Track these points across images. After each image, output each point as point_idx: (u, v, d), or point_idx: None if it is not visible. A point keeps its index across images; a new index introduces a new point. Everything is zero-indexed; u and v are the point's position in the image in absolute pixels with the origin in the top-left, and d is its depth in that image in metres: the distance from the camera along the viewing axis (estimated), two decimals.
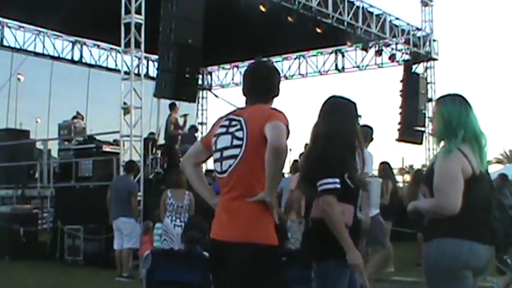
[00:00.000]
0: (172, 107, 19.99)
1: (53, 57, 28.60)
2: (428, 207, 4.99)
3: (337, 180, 4.97)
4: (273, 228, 4.53)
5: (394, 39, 26.48)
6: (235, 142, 4.58)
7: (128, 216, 14.32)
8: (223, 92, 34.11)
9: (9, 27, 27.21)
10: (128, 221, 14.32)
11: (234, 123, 4.67)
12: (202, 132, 28.57)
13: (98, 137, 20.87)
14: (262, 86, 4.82)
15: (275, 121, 4.43)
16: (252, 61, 5.26)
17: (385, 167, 14.55)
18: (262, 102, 4.77)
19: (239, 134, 4.58)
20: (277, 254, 4.60)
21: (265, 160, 4.33)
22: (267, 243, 4.48)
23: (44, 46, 28.30)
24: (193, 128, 23.37)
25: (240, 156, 4.53)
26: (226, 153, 4.61)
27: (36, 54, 27.90)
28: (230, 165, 4.56)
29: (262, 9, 20.88)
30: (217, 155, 4.69)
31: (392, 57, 27.85)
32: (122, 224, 14.43)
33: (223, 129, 4.70)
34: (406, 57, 28.26)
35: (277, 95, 4.86)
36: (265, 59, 7.86)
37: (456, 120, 4.94)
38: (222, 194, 4.67)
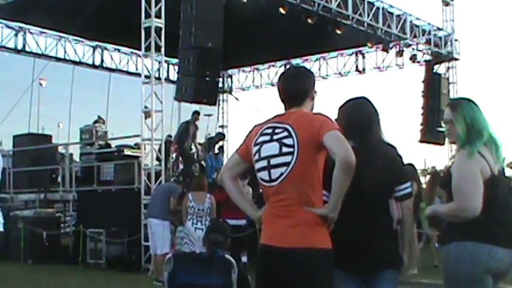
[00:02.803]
0: (195, 116, 20.07)
1: (74, 62, 28.69)
2: (448, 210, 4.94)
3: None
4: (327, 232, 4.50)
5: (415, 39, 26.32)
6: (285, 149, 4.48)
7: (158, 218, 14.22)
8: (244, 95, 34.19)
9: (31, 33, 27.31)
10: (158, 223, 14.20)
11: (278, 130, 4.58)
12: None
13: (119, 141, 20.96)
14: (298, 90, 4.77)
15: (333, 131, 4.39)
16: (288, 66, 5.23)
17: (409, 168, 14.48)
18: (300, 106, 4.72)
19: (288, 141, 4.49)
20: (333, 258, 4.55)
21: (335, 174, 4.27)
22: (325, 248, 4.45)
23: (65, 51, 28.39)
24: (220, 136, 23.50)
25: (292, 163, 4.44)
26: (275, 161, 4.52)
27: (58, 59, 27.99)
28: (282, 173, 4.47)
29: (282, 11, 20.83)
30: (264, 163, 4.59)
31: (413, 58, 27.66)
32: (152, 225, 14.32)
33: (267, 137, 4.61)
34: (428, 57, 28.07)
35: (314, 97, 4.83)
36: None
37: (478, 123, 4.92)
38: (272, 202, 4.57)
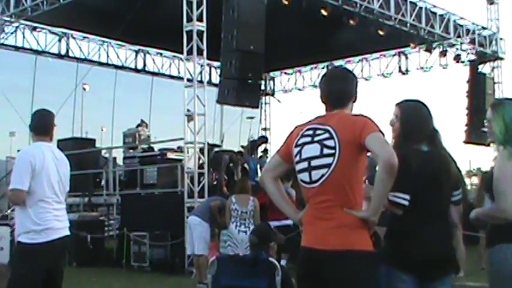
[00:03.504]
0: (238, 157, 20.13)
1: (116, 67, 28.95)
2: (488, 212, 4.89)
3: None
4: (368, 234, 4.45)
5: (458, 39, 26.06)
6: (326, 151, 4.43)
7: (198, 217, 14.19)
8: (286, 97, 34.16)
9: (74, 38, 27.60)
10: (197, 222, 14.12)
11: (319, 132, 4.53)
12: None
13: (162, 144, 21.04)
14: (340, 92, 4.71)
15: (375, 133, 4.34)
16: (328, 68, 5.18)
17: None
18: (342, 107, 4.67)
19: (330, 142, 4.44)
20: (376, 260, 4.50)
21: (377, 177, 4.23)
22: (367, 250, 4.40)
23: (108, 56, 28.66)
24: (262, 139, 23.49)
25: (333, 165, 4.39)
26: (315, 162, 4.47)
27: (101, 64, 28.25)
28: (323, 175, 4.42)
29: (324, 13, 20.77)
30: (304, 164, 4.54)
31: (457, 58, 27.39)
32: (191, 224, 14.26)
33: (308, 139, 4.56)
34: (472, 57, 27.73)
35: (355, 100, 4.77)
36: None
37: None
38: (313, 204, 4.52)
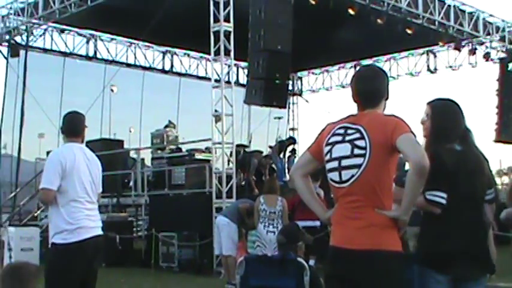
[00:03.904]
0: (267, 160, 20.08)
1: (144, 68, 29.09)
2: None
3: None
4: (398, 235, 4.43)
5: (488, 37, 25.85)
6: (357, 151, 4.42)
7: (226, 217, 14.18)
8: (314, 97, 34.11)
9: (102, 40, 27.77)
10: (225, 223, 14.06)
11: (350, 131, 4.51)
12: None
13: (189, 145, 21.07)
14: (371, 91, 4.68)
15: (407, 134, 4.31)
16: (358, 67, 5.16)
17: None
18: (374, 107, 4.64)
19: (360, 143, 4.42)
20: (405, 260, 4.47)
21: (408, 178, 4.21)
22: (396, 250, 4.38)
23: (135, 57, 28.82)
24: (290, 140, 23.46)
25: (364, 165, 4.37)
26: (346, 162, 4.45)
27: (128, 65, 28.40)
28: (353, 175, 4.40)
29: (351, 12, 20.69)
30: (334, 164, 4.52)
31: (486, 56, 27.12)
32: (220, 224, 14.26)
33: (339, 138, 4.54)
34: (502, 55, 27.45)
35: (387, 98, 4.74)
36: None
37: None
38: (342, 204, 4.51)
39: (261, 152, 21.31)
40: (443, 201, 4.61)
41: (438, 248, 4.68)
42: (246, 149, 20.93)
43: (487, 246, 4.91)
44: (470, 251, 4.71)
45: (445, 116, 5.00)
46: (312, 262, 13.97)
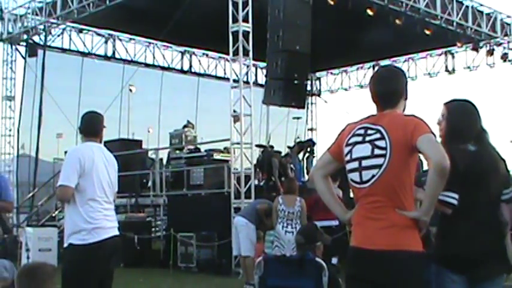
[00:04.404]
0: (287, 159, 20.05)
1: (163, 68, 29.18)
2: None
3: None
4: (419, 235, 4.40)
5: (506, 37, 25.79)
6: (377, 152, 4.41)
7: (245, 218, 14.13)
8: (333, 98, 34.09)
9: (120, 40, 27.89)
10: (244, 223, 14.06)
11: (371, 131, 4.50)
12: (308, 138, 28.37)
13: (208, 145, 21.09)
14: (390, 91, 4.67)
15: (427, 134, 4.30)
16: (377, 67, 5.14)
17: None
18: (393, 107, 4.62)
19: (381, 143, 4.41)
20: (425, 261, 4.46)
21: (429, 178, 4.19)
22: (417, 251, 4.36)
23: (154, 57, 28.91)
24: (309, 142, 23.43)
25: (384, 166, 4.36)
26: (366, 162, 4.44)
27: (147, 65, 28.52)
28: (373, 175, 4.39)
29: (370, 12, 20.68)
30: (355, 164, 4.52)
31: (504, 57, 27.06)
32: (238, 225, 14.23)
33: (359, 138, 4.54)
34: None
35: (406, 98, 4.73)
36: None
37: None
38: (362, 204, 4.50)
39: (280, 153, 21.27)
40: (455, 202, 4.61)
41: (452, 248, 4.69)
42: (270, 149, 20.80)
43: (504, 246, 4.89)
44: (485, 251, 4.70)
45: (459, 117, 4.99)
46: (334, 260, 13.95)
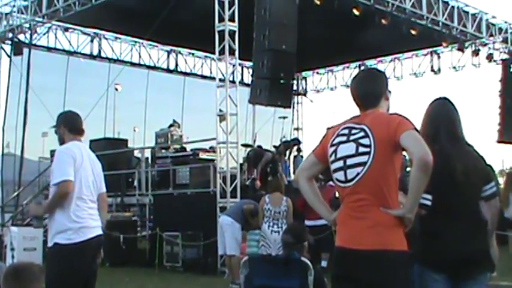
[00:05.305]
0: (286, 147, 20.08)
1: (148, 67, 29.12)
2: None
3: None
4: (404, 234, 4.42)
5: (491, 38, 25.89)
6: (362, 149, 4.43)
7: (231, 217, 14.08)
8: (319, 97, 34.12)
9: (106, 38, 27.80)
10: (229, 222, 13.97)
11: (354, 131, 4.53)
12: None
13: (194, 144, 21.07)
14: (369, 92, 4.72)
15: (410, 131, 4.33)
16: (363, 67, 5.17)
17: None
18: (375, 106, 4.67)
19: (365, 141, 4.43)
20: (410, 259, 4.47)
21: (412, 174, 4.22)
22: (402, 250, 4.38)
23: (140, 56, 28.84)
24: (295, 141, 23.41)
25: (369, 163, 4.38)
26: (351, 161, 4.46)
27: (133, 64, 28.43)
28: (358, 173, 4.41)
29: (356, 12, 20.69)
30: (339, 163, 4.54)
31: (489, 57, 27.18)
32: (223, 224, 14.21)
33: (344, 138, 4.56)
34: (505, 56, 27.49)
35: (387, 98, 4.77)
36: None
37: None
38: (348, 203, 4.51)
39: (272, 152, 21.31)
40: (428, 203, 4.66)
41: (430, 247, 4.73)
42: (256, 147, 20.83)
43: (485, 244, 4.93)
44: (460, 250, 4.73)
45: (432, 117, 5.08)
46: (324, 263, 13.96)
